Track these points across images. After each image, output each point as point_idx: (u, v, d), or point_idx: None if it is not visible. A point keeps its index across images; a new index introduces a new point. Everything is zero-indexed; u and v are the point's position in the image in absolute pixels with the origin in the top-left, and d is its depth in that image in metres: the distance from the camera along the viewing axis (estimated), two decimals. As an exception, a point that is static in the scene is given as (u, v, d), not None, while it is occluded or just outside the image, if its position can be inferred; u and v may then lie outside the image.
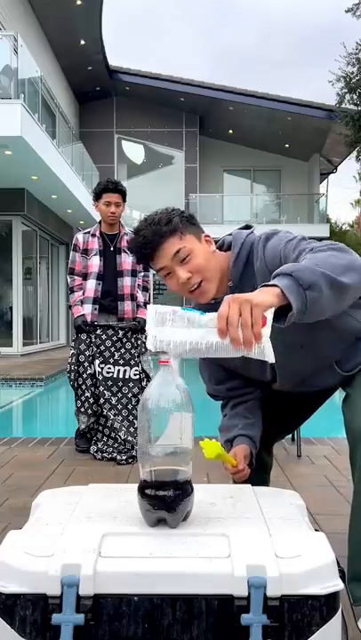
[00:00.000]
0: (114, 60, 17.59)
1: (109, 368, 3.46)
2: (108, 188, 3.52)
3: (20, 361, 10.29)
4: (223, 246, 1.56)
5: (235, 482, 1.48)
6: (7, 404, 7.04)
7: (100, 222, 3.65)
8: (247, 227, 1.60)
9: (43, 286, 13.89)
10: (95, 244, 3.57)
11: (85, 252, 3.58)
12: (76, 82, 17.72)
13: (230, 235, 1.57)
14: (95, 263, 3.54)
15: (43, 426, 6.16)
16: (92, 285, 3.52)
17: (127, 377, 3.49)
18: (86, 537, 1.00)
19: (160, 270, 1.46)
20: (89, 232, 3.62)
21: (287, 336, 1.27)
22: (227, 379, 1.70)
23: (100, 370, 3.44)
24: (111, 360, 3.47)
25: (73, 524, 1.08)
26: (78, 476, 3.01)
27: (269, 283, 1.17)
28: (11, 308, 11.67)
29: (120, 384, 3.48)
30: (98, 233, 3.60)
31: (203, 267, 1.44)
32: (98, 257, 3.55)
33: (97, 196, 3.56)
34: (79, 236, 3.61)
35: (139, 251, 1.45)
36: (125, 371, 3.49)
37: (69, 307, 3.62)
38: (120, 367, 3.48)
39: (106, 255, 3.57)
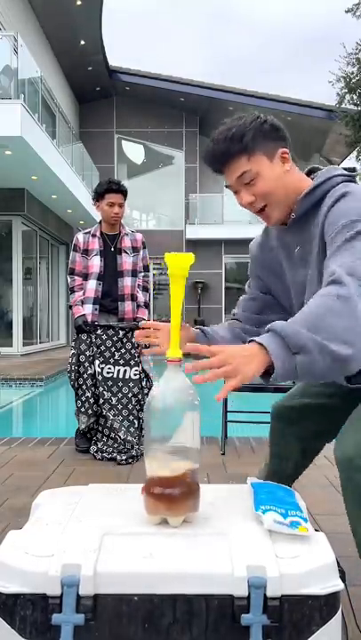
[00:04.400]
0: (114, 60, 17.62)
1: (109, 368, 3.47)
2: (111, 189, 3.51)
3: (19, 361, 10.29)
4: (310, 173, 1.47)
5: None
6: (7, 404, 7.03)
7: (100, 222, 3.65)
8: (351, 170, 1.45)
9: (43, 286, 13.89)
10: (96, 245, 3.56)
11: (86, 252, 3.58)
12: (76, 82, 17.72)
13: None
14: (96, 263, 3.54)
15: (43, 426, 6.15)
16: (92, 285, 3.52)
17: (127, 377, 3.49)
18: (86, 537, 1.00)
19: (228, 187, 1.46)
20: (89, 232, 3.62)
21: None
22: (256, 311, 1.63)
23: (100, 370, 3.44)
24: (111, 360, 3.47)
25: (73, 523, 1.07)
26: (78, 476, 3.01)
27: (261, 342, 1.08)
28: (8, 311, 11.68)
29: (120, 384, 3.48)
30: (98, 233, 3.60)
31: (266, 192, 1.38)
32: (98, 257, 3.55)
33: (99, 196, 3.54)
34: (79, 237, 3.61)
35: (210, 164, 1.47)
36: (125, 371, 3.49)
37: (70, 307, 3.62)
38: (120, 367, 3.48)
39: (106, 255, 3.57)
